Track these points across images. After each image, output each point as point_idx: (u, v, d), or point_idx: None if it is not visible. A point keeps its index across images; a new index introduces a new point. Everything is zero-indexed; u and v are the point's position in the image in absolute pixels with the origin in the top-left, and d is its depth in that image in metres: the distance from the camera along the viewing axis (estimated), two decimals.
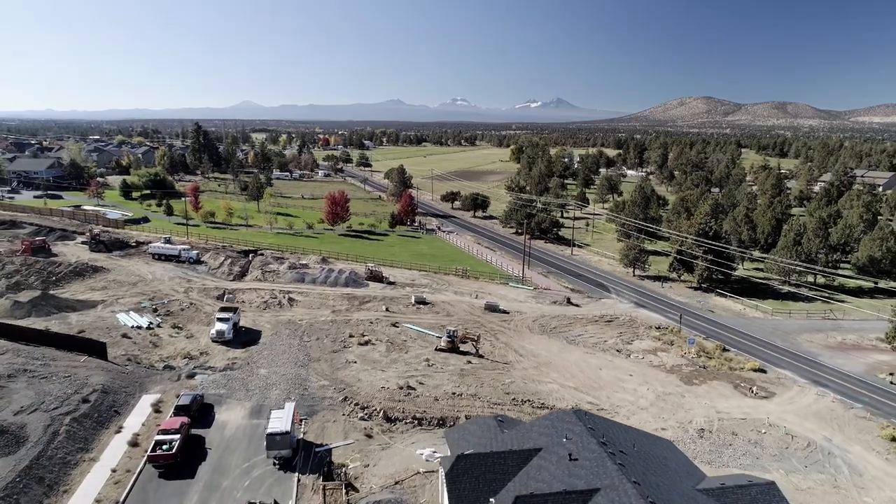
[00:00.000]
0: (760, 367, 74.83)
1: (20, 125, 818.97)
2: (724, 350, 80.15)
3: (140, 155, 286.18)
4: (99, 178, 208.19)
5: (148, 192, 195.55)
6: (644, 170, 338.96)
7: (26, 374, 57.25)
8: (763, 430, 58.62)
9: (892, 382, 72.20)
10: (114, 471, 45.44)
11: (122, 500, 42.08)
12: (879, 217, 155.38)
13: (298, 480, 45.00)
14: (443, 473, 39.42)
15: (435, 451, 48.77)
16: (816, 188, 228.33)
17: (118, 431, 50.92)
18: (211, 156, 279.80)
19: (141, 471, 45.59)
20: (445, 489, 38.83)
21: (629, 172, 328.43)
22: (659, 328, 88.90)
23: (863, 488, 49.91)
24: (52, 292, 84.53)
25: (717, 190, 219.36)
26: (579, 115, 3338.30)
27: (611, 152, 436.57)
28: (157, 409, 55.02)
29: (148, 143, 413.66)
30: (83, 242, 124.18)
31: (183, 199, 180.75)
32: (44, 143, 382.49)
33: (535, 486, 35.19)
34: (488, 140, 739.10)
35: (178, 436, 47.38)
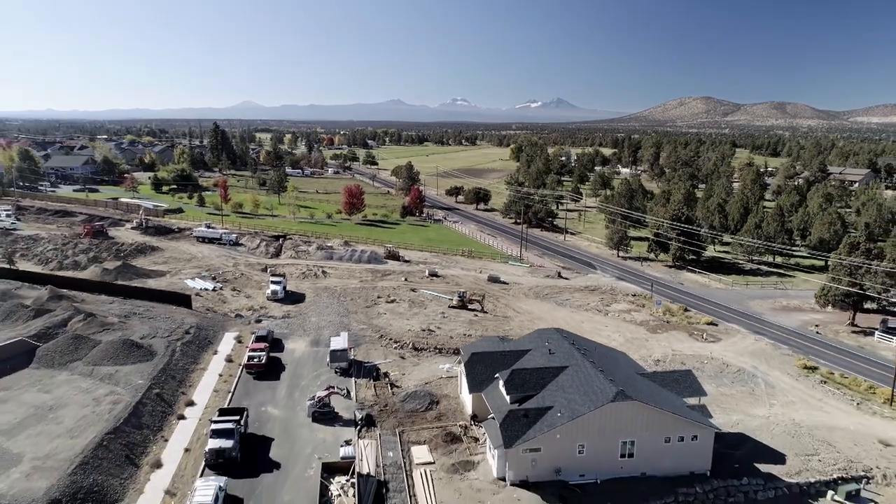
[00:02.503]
0: (713, 322, 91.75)
1: (24, 125, 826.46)
2: (686, 310, 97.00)
3: (157, 153, 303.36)
4: (128, 174, 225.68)
5: (175, 186, 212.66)
6: (638, 167, 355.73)
7: (136, 315, 74.32)
8: (705, 361, 75.48)
9: (817, 333, 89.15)
10: (220, 375, 62.40)
11: (232, 390, 59.09)
12: (847, 209, 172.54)
13: (355, 382, 61.94)
14: (462, 366, 56.38)
15: (453, 366, 65.62)
16: (797, 183, 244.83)
17: (215, 353, 67.86)
18: (228, 154, 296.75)
19: (240, 376, 62.55)
20: (464, 377, 55.85)
21: (623, 170, 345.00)
22: (634, 295, 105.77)
23: (772, 395, 66.76)
24: (129, 263, 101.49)
25: (703, 185, 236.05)
26: (579, 115, 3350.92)
27: (607, 151, 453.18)
28: (239, 340, 72.00)
29: (157, 142, 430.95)
30: (133, 228, 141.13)
31: (207, 192, 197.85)
32: (63, 142, 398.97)
33: (525, 366, 52.12)
34: (488, 140, 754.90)
35: (263, 352, 64.30)
